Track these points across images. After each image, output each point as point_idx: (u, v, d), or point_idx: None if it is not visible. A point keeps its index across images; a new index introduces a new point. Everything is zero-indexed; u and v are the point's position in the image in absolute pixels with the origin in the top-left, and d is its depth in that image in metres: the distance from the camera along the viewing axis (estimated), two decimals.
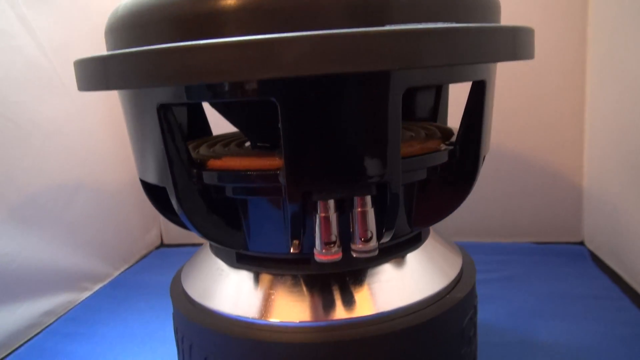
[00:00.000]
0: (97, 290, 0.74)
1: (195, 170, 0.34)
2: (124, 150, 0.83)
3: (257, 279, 0.37)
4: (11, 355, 0.57)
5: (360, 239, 0.32)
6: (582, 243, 0.80)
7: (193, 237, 0.92)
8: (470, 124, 0.36)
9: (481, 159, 0.37)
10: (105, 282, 0.77)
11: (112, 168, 0.80)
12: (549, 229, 0.82)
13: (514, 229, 0.82)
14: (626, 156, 0.67)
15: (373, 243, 0.32)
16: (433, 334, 0.36)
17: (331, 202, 0.31)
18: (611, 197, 0.72)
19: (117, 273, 0.80)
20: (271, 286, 0.37)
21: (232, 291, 0.38)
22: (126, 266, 0.83)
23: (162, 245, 0.95)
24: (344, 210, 0.32)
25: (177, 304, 0.40)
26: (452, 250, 0.43)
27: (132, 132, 0.37)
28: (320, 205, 0.31)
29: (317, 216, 0.31)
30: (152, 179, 0.36)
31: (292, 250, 0.34)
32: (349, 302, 0.35)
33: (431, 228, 0.43)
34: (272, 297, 0.36)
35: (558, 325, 0.56)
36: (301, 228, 0.33)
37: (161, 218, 0.93)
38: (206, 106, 0.49)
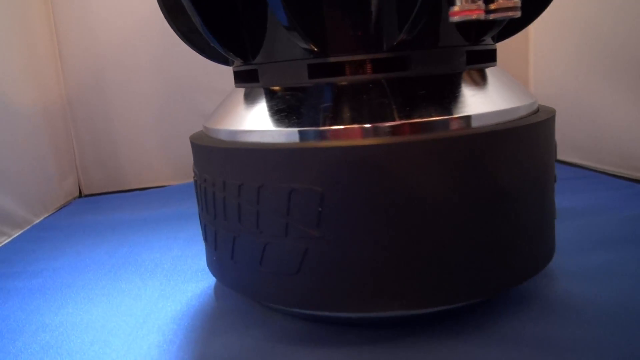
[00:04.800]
0: (17, 236, 0.58)
1: None
2: (34, 67, 0.67)
3: (330, 90, 0.30)
4: None
5: None
6: None
7: (115, 183, 0.79)
8: None
9: None
10: (26, 228, 0.60)
11: (21, 85, 0.64)
12: None
13: None
14: (574, 59, 0.69)
15: None
16: (538, 140, 0.31)
17: None
18: (558, 102, 0.75)
19: (37, 219, 0.64)
20: (344, 94, 0.29)
21: (291, 108, 0.30)
22: (46, 213, 0.67)
23: (81, 195, 0.78)
24: None
25: (208, 141, 0.31)
26: None
27: None
28: None
29: None
30: None
31: (399, 39, 0.27)
32: (443, 102, 0.29)
33: None
34: (344, 105, 0.29)
35: None
36: None
37: (78, 164, 0.77)
38: None
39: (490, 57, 0.34)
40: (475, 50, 0.32)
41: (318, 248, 0.28)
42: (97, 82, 0.75)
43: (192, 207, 0.64)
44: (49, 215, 0.66)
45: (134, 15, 0.74)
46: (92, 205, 0.71)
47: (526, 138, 0.30)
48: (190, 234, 0.54)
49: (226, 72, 0.75)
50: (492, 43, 0.34)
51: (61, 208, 0.70)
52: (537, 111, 0.33)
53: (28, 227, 0.61)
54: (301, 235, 0.28)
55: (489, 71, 0.33)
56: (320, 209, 0.28)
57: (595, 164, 0.69)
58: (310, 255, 0.29)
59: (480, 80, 0.32)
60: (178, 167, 0.78)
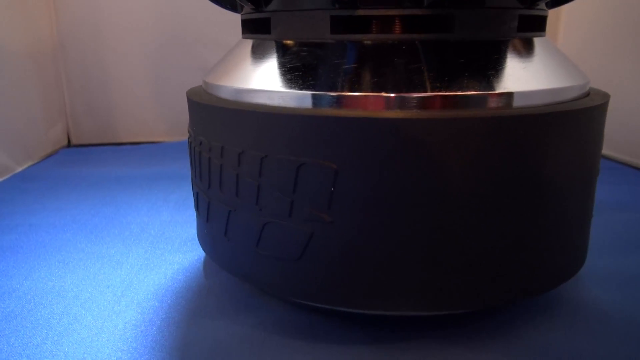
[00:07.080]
0: None
1: None
2: (23, 4, 0.61)
3: (355, 49, 0.25)
4: None
5: None
6: None
7: (107, 135, 0.74)
8: None
9: None
10: (6, 177, 0.56)
11: (7, 24, 0.58)
12: None
13: None
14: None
15: None
16: (589, 127, 0.27)
17: None
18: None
19: (20, 168, 0.60)
20: (371, 55, 0.25)
21: (307, 67, 0.25)
22: (30, 162, 0.62)
23: (69, 145, 0.74)
24: None
25: (206, 99, 0.27)
26: None
27: None
28: None
29: None
30: None
31: None
32: (486, 75, 0.25)
33: None
34: (371, 68, 0.24)
35: None
36: None
37: (68, 111, 0.73)
38: None
39: (541, 25, 0.29)
40: (528, 15, 0.27)
41: (326, 233, 0.24)
42: (93, 24, 0.70)
43: (186, 167, 0.60)
44: (33, 165, 0.62)
45: None
46: (80, 156, 0.67)
47: (577, 124, 0.26)
48: (182, 196, 0.50)
49: (233, 24, 0.70)
50: (545, 9, 0.29)
51: (47, 157, 0.66)
52: (588, 93, 0.29)
53: (8, 175, 0.57)
54: (308, 217, 0.24)
55: (538, 42, 0.29)
56: (332, 189, 0.23)
57: (625, 157, 0.63)
58: (315, 241, 0.25)
59: (528, 52, 0.27)
60: (174, 123, 0.74)
